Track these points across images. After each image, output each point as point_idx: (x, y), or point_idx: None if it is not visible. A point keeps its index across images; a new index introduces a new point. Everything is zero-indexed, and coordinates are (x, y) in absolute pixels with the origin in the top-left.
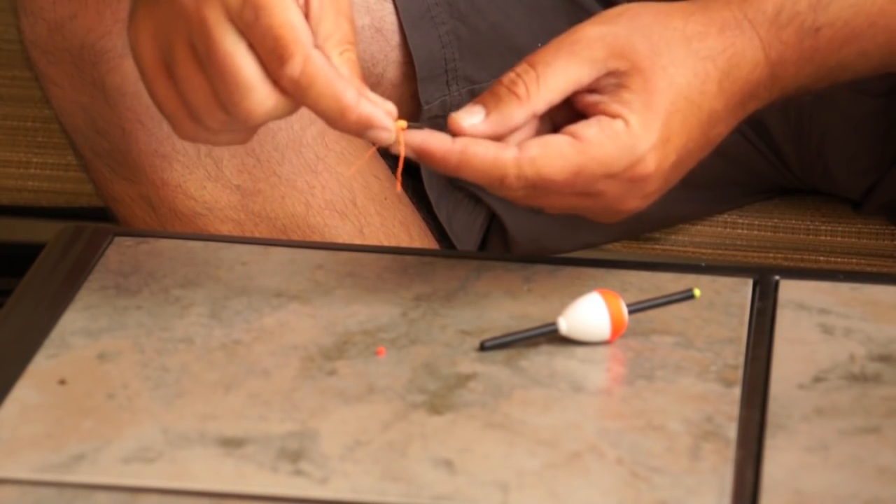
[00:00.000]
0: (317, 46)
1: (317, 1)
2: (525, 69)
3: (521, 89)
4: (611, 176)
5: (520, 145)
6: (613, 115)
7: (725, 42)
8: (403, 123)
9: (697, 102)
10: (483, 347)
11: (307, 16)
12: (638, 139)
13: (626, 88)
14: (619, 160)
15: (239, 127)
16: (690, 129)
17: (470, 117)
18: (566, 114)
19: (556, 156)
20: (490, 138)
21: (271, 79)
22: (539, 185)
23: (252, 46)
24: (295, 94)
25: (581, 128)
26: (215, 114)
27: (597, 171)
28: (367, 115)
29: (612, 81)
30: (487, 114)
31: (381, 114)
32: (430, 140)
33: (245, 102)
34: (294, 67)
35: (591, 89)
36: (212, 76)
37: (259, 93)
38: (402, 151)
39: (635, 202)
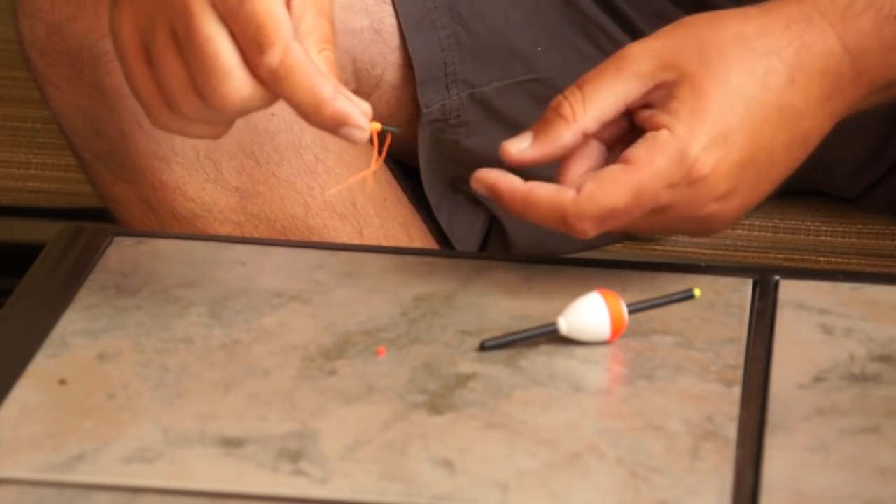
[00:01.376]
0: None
1: (298, 1)
2: (572, 91)
3: (566, 110)
4: (670, 186)
5: (578, 185)
6: (659, 127)
7: (791, 36)
8: (378, 125)
9: (760, 98)
10: (483, 347)
11: (288, 9)
12: (686, 143)
13: (675, 98)
14: (673, 168)
15: (213, 116)
16: (756, 125)
17: (518, 143)
18: (628, 135)
19: (610, 185)
20: (543, 160)
21: (249, 67)
22: (605, 217)
23: (233, 34)
24: (272, 84)
25: (630, 151)
26: (191, 99)
27: (654, 186)
28: (342, 111)
29: (662, 93)
30: (535, 138)
31: (357, 112)
32: (500, 181)
33: (221, 88)
34: (273, 56)
35: (645, 104)
36: (190, 61)
37: (236, 79)
38: (376, 154)
39: (713, 207)
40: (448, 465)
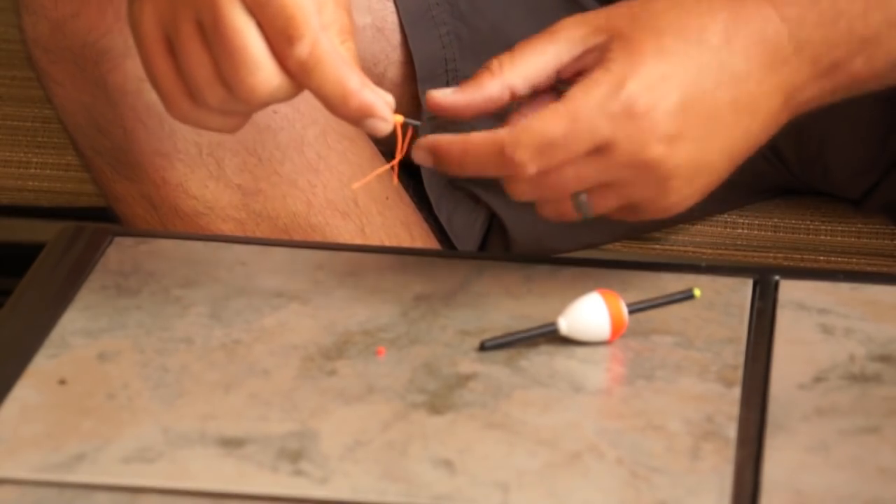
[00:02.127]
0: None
1: None
2: (503, 53)
3: (494, 65)
4: (609, 117)
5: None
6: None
7: (723, 3)
8: (401, 118)
9: (696, 52)
10: (483, 347)
11: None
12: (622, 76)
13: (608, 53)
14: (609, 98)
15: (237, 107)
16: (694, 74)
17: (444, 90)
18: None
19: (546, 113)
20: (467, 111)
21: (278, 59)
22: (543, 147)
23: (260, 26)
24: (300, 76)
25: (567, 91)
26: (216, 91)
27: (591, 114)
28: (368, 102)
29: (594, 55)
30: (461, 88)
31: (382, 103)
32: (439, 139)
33: (250, 80)
34: (303, 48)
35: (579, 71)
36: (217, 52)
37: (265, 71)
38: (400, 146)
39: (659, 149)
40: (448, 465)
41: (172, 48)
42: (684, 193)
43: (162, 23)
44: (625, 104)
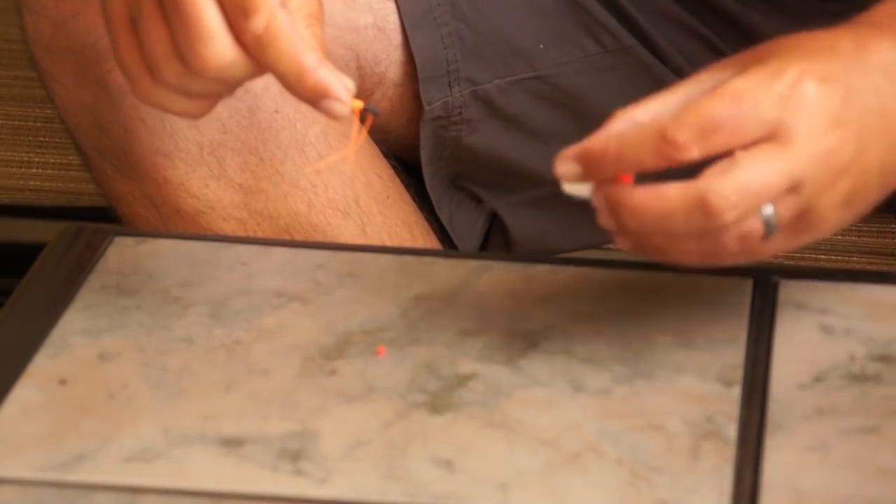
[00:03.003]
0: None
1: None
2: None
3: (618, 111)
4: (775, 96)
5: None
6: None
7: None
8: (360, 103)
9: (835, 57)
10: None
11: None
12: (784, 62)
13: (749, 62)
14: (774, 77)
15: (193, 84)
16: (845, 70)
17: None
18: None
19: (710, 96)
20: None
21: (234, 34)
22: (706, 128)
23: (219, 2)
24: (256, 51)
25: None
26: (173, 65)
27: (755, 92)
28: (324, 81)
29: (732, 70)
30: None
31: (340, 85)
32: (588, 143)
33: (203, 51)
34: (259, 22)
35: None
36: (174, 24)
37: (218, 43)
38: (356, 132)
39: (833, 136)
40: (448, 464)
41: (137, 27)
42: (843, 201)
43: (127, 3)
44: (790, 84)
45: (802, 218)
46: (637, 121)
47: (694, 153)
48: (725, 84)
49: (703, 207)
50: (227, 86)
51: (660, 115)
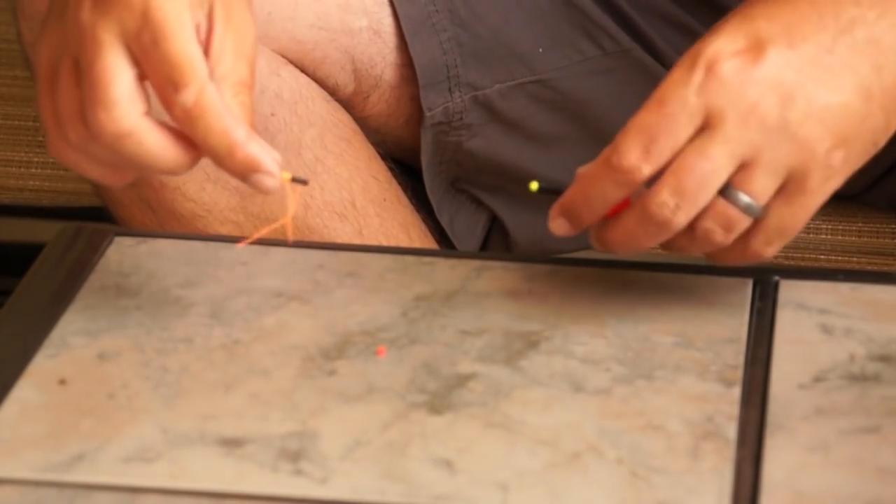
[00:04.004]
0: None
1: (218, 40)
2: None
3: None
4: (695, 86)
5: None
6: None
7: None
8: (288, 175)
9: (792, 6)
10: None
11: (207, 53)
12: (699, 49)
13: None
14: (689, 70)
15: (95, 149)
16: (790, 20)
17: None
18: None
19: (638, 111)
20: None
21: (164, 107)
22: (645, 141)
23: (147, 73)
24: (185, 125)
25: None
26: (76, 125)
27: (676, 90)
28: (254, 156)
29: None
30: None
31: (269, 159)
32: (562, 199)
33: (102, 115)
34: (188, 96)
35: None
36: (83, 85)
37: (119, 110)
38: (291, 205)
39: (771, 100)
40: (448, 464)
41: (55, 77)
42: (827, 140)
43: (52, 56)
44: (706, 68)
45: (789, 183)
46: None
47: (646, 170)
48: (652, 93)
49: (653, 221)
50: (132, 160)
51: None
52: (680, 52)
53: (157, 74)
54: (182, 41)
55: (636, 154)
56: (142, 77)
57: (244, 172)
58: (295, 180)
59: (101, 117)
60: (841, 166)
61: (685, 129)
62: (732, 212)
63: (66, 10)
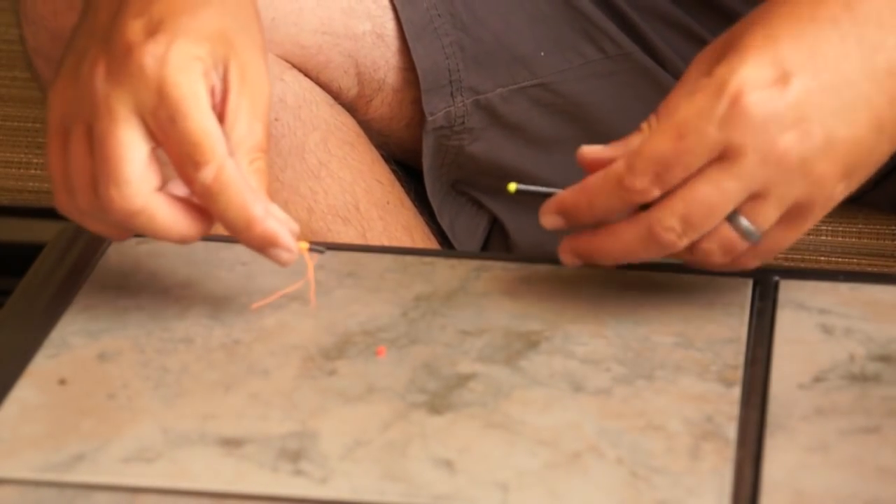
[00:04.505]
0: (229, 152)
1: (233, 104)
2: (649, 116)
3: (644, 126)
4: (717, 120)
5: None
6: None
7: None
8: (306, 245)
9: (813, 25)
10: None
11: (222, 118)
12: (724, 76)
13: (718, 60)
14: (712, 100)
15: (104, 216)
16: (814, 49)
17: (595, 148)
18: None
19: (653, 134)
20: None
21: (184, 182)
22: (658, 169)
23: (165, 148)
24: (204, 200)
25: (667, 98)
26: (87, 193)
27: (696, 121)
28: (272, 231)
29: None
30: (611, 144)
31: (286, 232)
32: (562, 197)
33: (113, 192)
34: (208, 174)
35: None
36: (96, 157)
37: (130, 189)
38: (309, 272)
39: (788, 138)
40: (448, 465)
41: (66, 140)
42: (837, 175)
43: (64, 115)
44: (731, 102)
45: (792, 212)
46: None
47: (655, 193)
48: (670, 114)
49: (656, 241)
50: (142, 232)
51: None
52: (681, 55)
53: (175, 151)
54: (199, 118)
55: (649, 179)
56: (155, 147)
57: (262, 246)
58: (312, 249)
59: (112, 194)
60: (842, 194)
61: (702, 160)
62: (734, 236)
63: (80, 66)
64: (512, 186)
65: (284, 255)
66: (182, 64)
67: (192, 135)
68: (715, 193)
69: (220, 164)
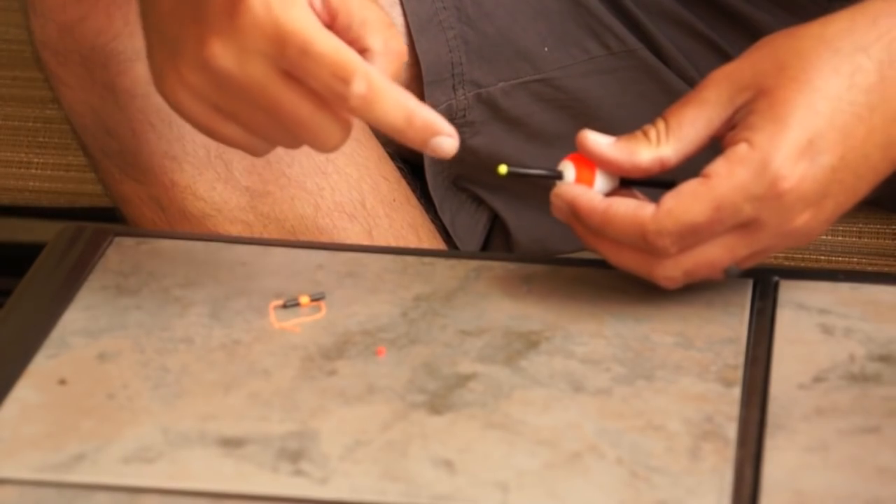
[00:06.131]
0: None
1: (357, 18)
2: (657, 121)
3: (651, 134)
4: (754, 199)
5: (659, 202)
6: (739, 141)
7: (879, 31)
8: (307, 298)
9: (848, 98)
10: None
11: (335, 17)
12: (767, 153)
13: (753, 113)
14: (754, 180)
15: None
16: (846, 127)
17: (600, 137)
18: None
19: (690, 199)
20: (612, 166)
21: (336, 104)
22: (686, 233)
23: (306, 81)
24: (362, 111)
25: (710, 165)
26: (294, 144)
27: (735, 199)
28: (431, 120)
29: (742, 114)
30: (616, 141)
31: (442, 119)
32: (580, 197)
33: (320, 140)
34: (360, 84)
35: (730, 126)
36: (285, 127)
37: (327, 129)
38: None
39: (805, 216)
40: (448, 465)
41: (225, 115)
42: (825, 229)
43: (205, 102)
44: (770, 185)
45: (762, 256)
46: (662, 159)
47: (672, 251)
48: (710, 182)
49: (651, 277)
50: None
51: (684, 152)
52: (685, 53)
53: (317, 79)
54: (327, 39)
55: (672, 240)
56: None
57: (424, 139)
58: (313, 300)
59: (321, 141)
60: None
61: (727, 230)
62: (719, 269)
63: (182, 52)
64: (503, 168)
65: (447, 142)
66: (285, 1)
67: (328, 56)
68: (725, 256)
69: (367, 72)
